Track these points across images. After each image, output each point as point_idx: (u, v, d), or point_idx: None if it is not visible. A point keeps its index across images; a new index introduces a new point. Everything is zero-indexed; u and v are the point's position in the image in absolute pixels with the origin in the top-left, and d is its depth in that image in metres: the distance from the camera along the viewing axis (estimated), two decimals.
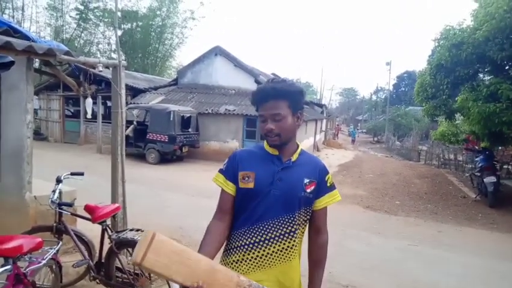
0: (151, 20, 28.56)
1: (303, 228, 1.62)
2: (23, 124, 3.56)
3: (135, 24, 28.57)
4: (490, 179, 8.90)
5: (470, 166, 13.60)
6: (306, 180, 1.57)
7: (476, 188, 10.19)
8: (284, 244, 1.55)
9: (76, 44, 25.71)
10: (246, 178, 1.56)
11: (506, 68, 8.93)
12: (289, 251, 1.56)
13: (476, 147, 12.16)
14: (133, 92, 16.53)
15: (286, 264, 1.56)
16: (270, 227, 1.54)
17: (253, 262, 1.54)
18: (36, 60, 3.55)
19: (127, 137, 7.33)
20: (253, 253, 1.54)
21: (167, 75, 29.79)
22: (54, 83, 16.27)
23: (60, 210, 3.15)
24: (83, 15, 26.24)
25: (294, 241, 1.57)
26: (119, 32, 21.35)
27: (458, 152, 16.06)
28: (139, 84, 17.55)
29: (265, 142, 1.64)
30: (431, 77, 9.86)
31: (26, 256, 2.25)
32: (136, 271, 3.17)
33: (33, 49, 3.09)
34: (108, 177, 4.21)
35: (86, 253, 3.26)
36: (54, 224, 3.16)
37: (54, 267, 2.77)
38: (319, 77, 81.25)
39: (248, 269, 1.54)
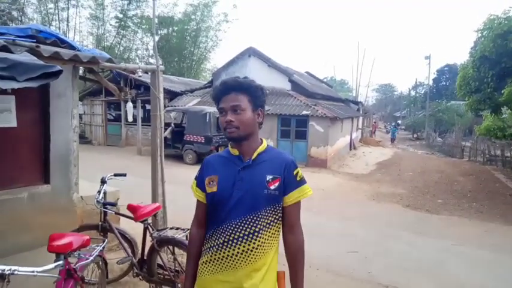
0: (186, 25, 29.26)
1: (271, 230, 1.57)
2: (70, 129, 3.79)
3: (171, 29, 29.40)
4: None
5: None
6: (269, 177, 1.56)
7: None
8: (249, 245, 1.52)
9: (116, 51, 26.81)
10: (211, 182, 1.60)
11: None
12: (254, 252, 1.52)
13: None
14: (171, 95, 17.05)
15: (251, 266, 1.52)
16: (233, 228, 1.53)
17: (220, 263, 1.55)
18: (81, 67, 3.76)
19: (165, 138, 7.56)
20: (220, 254, 1.54)
21: (202, 78, 30.37)
22: (97, 89, 17.07)
23: (105, 210, 3.33)
24: (122, 23, 27.32)
25: (259, 242, 1.53)
26: (156, 38, 22.04)
27: (505, 148, 15.22)
28: (176, 88, 18.06)
29: (229, 145, 1.67)
30: (474, 69, 9.45)
31: (75, 253, 2.39)
32: (177, 268, 3.28)
33: (78, 58, 3.28)
34: (148, 177, 4.37)
35: (129, 250, 3.41)
36: (100, 223, 3.34)
37: (100, 263, 2.92)
38: (355, 73, 79.38)
39: (215, 270, 1.56)
